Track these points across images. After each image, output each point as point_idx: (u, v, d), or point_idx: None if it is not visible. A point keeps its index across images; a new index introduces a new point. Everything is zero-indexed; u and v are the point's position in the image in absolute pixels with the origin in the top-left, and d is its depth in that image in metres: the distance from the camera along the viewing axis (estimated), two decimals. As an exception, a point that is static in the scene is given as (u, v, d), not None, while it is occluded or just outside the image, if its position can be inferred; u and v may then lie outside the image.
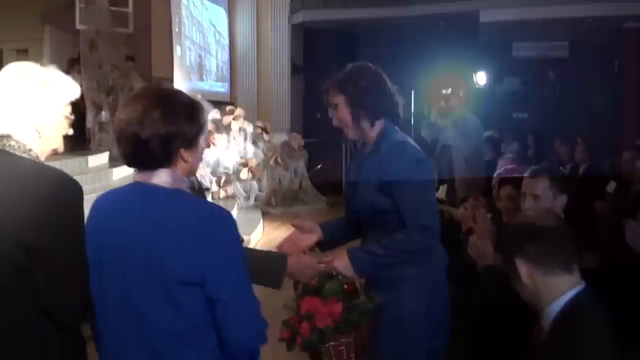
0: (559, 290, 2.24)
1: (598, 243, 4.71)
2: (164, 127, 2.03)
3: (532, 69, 16.11)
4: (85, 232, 2.15)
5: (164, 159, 2.08)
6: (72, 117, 2.41)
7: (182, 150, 2.09)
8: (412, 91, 18.18)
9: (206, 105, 2.79)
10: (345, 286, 2.71)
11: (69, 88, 2.37)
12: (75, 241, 2.13)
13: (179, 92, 2.20)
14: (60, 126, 2.36)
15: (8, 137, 2.22)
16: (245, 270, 2.10)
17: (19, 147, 2.23)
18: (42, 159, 2.33)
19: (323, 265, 2.81)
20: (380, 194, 2.90)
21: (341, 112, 2.99)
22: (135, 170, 2.14)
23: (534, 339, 2.39)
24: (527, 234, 2.30)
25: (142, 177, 2.10)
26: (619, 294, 4.06)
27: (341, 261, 2.84)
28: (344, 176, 3.30)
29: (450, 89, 15.24)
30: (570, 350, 2.11)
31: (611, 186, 6.72)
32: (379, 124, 3.00)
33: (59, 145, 2.40)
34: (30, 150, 2.25)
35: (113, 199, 2.18)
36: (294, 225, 3.18)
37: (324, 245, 3.15)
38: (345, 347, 2.63)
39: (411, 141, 3.04)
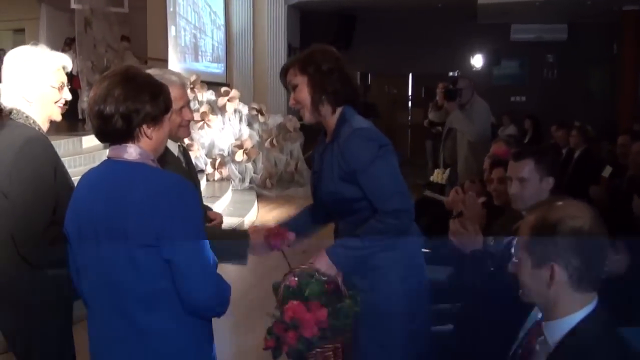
0: (576, 307, 1.98)
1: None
2: (123, 104, 2.20)
3: (530, 51, 16.04)
4: (51, 182, 2.70)
5: (127, 135, 2.25)
6: (63, 86, 2.90)
7: (144, 126, 2.26)
8: (410, 74, 18.17)
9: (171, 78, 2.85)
10: (326, 285, 2.65)
11: (50, 60, 2.86)
12: (36, 188, 2.66)
13: (146, 75, 2.37)
14: (47, 95, 2.86)
15: (16, 110, 2.82)
16: (201, 236, 2.24)
17: (19, 116, 2.81)
18: (45, 126, 2.89)
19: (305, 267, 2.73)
20: (345, 183, 2.81)
21: (301, 93, 2.88)
22: (108, 147, 2.34)
23: (531, 339, 2.19)
24: (577, 243, 1.94)
25: (113, 152, 2.30)
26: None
27: (323, 262, 2.75)
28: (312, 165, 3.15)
29: (457, 71, 15.26)
30: None
31: (607, 171, 6.68)
32: (337, 112, 2.89)
33: (52, 113, 2.91)
34: (27, 117, 2.82)
35: (89, 176, 2.37)
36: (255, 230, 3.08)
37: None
38: (333, 352, 2.59)
39: (371, 126, 2.90)
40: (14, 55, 2.85)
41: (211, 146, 11.81)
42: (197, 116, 11.02)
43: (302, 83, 2.87)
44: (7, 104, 2.83)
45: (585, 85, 15.84)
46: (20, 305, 2.78)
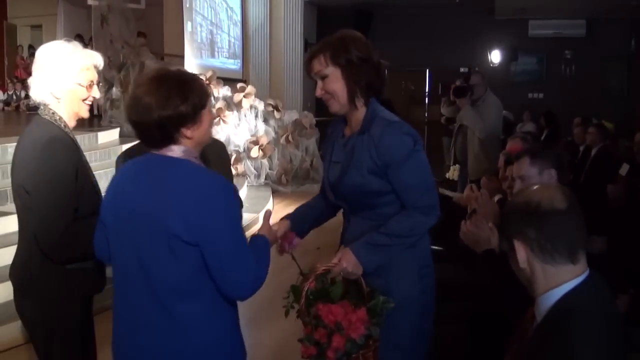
0: (557, 280, 1.99)
1: (609, 226, 4.64)
2: (156, 113, 2.22)
3: (548, 47, 15.93)
4: (72, 183, 2.69)
5: (167, 141, 2.29)
6: (92, 84, 2.87)
7: (182, 129, 2.29)
8: (427, 69, 18.10)
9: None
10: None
11: (81, 58, 2.84)
12: (56, 187, 2.66)
13: (175, 74, 2.33)
14: (75, 92, 2.83)
15: (44, 105, 2.82)
16: (241, 237, 2.29)
17: (46, 112, 2.81)
18: (71, 123, 2.89)
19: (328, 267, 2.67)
20: (374, 176, 2.72)
21: (333, 84, 2.73)
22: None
23: (524, 326, 2.22)
24: (529, 215, 2.00)
25: (157, 150, 2.33)
26: (629, 276, 4.01)
27: (351, 261, 2.67)
28: (324, 157, 3.06)
29: (468, 68, 15.17)
30: (556, 354, 1.88)
31: (624, 169, 6.61)
32: (369, 102, 2.78)
33: (79, 110, 2.89)
34: (53, 113, 2.81)
35: (130, 167, 2.42)
36: None
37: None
38: (373, 352, 2.57)
39: (402, 120, 2.82)
40: (45, 50, 2.83)
41: (227, 142, 11.81)
42: (212, 112, 11.03)
43: (333, 73, 2.73)
44: (36, 98, 2.83)
45: (603, 81, 15.71)
46: (43, 298, 2.82)
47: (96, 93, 2.92)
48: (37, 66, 2.82)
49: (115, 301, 2.42)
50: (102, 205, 2.45)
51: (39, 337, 2.91)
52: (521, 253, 2.02)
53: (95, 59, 2.89)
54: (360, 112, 2.79)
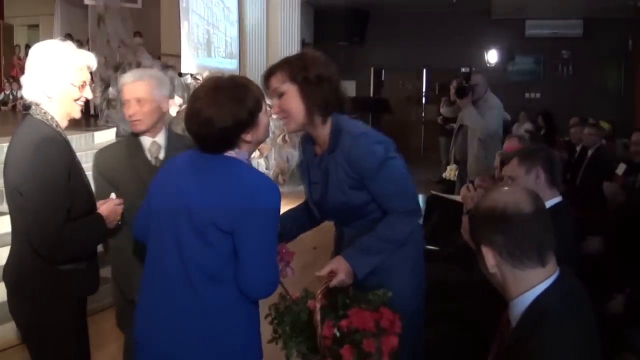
0: (528, 283, 1.98)
1: (606, 225, 4.64)
2: (215, 125, 2.31)
3: (545, 47, 15.95)
4: (64, 183, 2.69)
5: (229, 147, 2.39)
6: (84, 84, 2.85)
7: (242, 135, 2.38)
8: (424, 70, 18.11)
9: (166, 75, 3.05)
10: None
11: (74, 58, 2.82)
12: (48, 188, 2.65)
13: (228, 82, 2.42)
14: (67, 92, 2.81)
15: (36, 104, 2.81)
16: (273, 239, 2.39)
17: (37, 111, 2.80)
18: (63, 123, 2.86)
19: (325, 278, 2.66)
20: (355, 190, 2.74)
21: (288, 102, 2.70)
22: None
23: (501, 330, 2.22)
24: (495, 221, 1.98)
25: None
26: (626, 273, 4.02)
27: (346, 271, 2.67)
28: (303, 178, 3.05)
29: (469, 68, 15.18)
30: (534, 357, 1.86)
31: (621, 168, 6.60)
32: (329, 119, 2.75)
33: (72, 110, 2.87)
34: (45, 113, 2.80)
35: (180, 159, 2.53)
36: None
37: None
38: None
39: (370, 129, 2.84)
40: (39, 49, 2.82)
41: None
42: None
43: (290, 91, 2.69)
44: (28, 97, 2.83)
45: (601, 81, 15.73)
46: (36, 298, 2.82)
47: (88, 94, 2.90)
48: (30, 65, 2.81)
49: (146, 284, 2.51)
50: (151, 191, 2.56)
51: (33, 338, 2.91)
52: (490, 259, 2.00)
53: (88, 59, 2.88)
54: (324, 129, 2.78)
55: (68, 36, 13.34)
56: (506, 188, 2.14)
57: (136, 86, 3.33)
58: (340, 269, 2.67)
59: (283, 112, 2.73)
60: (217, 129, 2.31)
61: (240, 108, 2.33)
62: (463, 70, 15.40)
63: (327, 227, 3.14)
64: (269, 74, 2.75)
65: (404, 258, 2.83)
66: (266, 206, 2.32)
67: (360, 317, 2.48)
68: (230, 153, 2.39)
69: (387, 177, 2.70)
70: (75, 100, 2.86)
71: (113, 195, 3.04)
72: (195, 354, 2.36)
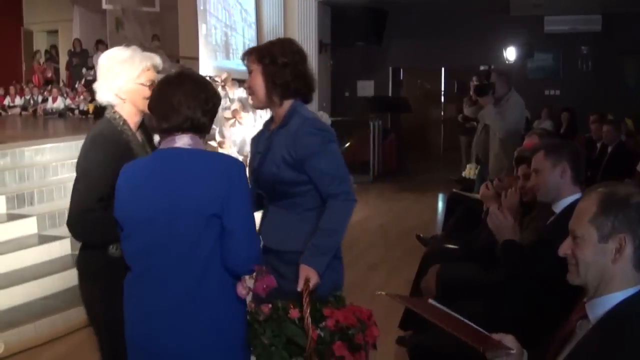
0: (625, 284, 2.01)
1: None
2: (182, 110, 2.58)
3: (564, 43, 15.82)
4: (102, 174, 2.92)
5: (190, 130, 2.62)
6: (152, 84, 3.09)
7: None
8: (443, 68, 18.05)
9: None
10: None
11: (141, 61, 3.15)
12: (86, 175, 2.99)
13: (192, 74, 2.80)
14: (139, 92, 3.13)
15: (110, 106, 3.17)
16: (251, 209, 2.66)
17: (109, 112, 3.16)
18: (135, 119, 3.19)
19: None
20: (287, 167, 3.01)
21: (254, 79, 3.09)
22: (159, 137, 2.73)
23: (569, 327, 2.21)
24: None
25: (165, 143, 2.64)
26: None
27: (313, 275, 2.89)
28: (250, 148, 3.41)
29: (488, 65, 15.09)
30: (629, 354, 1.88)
31: (641, 165, 6.56)
32: (287, 103, 3.09)
33: (145, 107, 2.99)
34: (114, 112, 3.15)
35: (139, 165, 2.70)
36: None
37: None
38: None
39: (319, 119, 3.18)
40: (108, 56, 3.18)
41: (243, 143, 11.80)
42: (228, 114, 11.04)
43: (256, 71, 3.07)
44: (102, 101, 3.17)
45: (621, 76, 15.58)
46: (100, 283, 3.04)
47: None
48: (101, 72, 3.16)
49: (136, 292, 2.65)
50: (117, 208, 2.67)
51: (98, 322, 3.12)
52: (625, 250, 2.02)
53: (154, 60, 3.23)
54: (283, 109, 3.11)
55: (77, 41, 13.48)
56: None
57: None
58: (310, 275, 2.88)
59: (249, 88, 3.13)
60: (183, 113, 2.58)
61: (204, 97, 2.64)
62: (482, 68, 15.34)
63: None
64: (248, 53, 3.14)
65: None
66: (243, 181, 2.60)
67: (343, 315, 2.68)
68: (186, 142, 2.61)
69: (328, 158, 3.00)
70: (145, 98, 3.04)
71: None
72: (186, 346, 2.54)
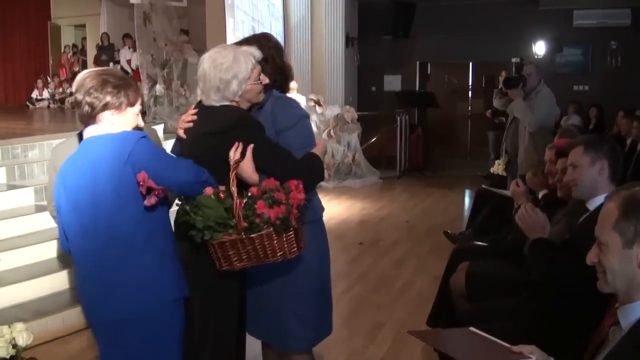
0: None
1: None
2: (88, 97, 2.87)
3: (593, 37, 15.62)
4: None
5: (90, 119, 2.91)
6: (259, 72, 3.16)
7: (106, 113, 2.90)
8: (470, 63, 17.91)
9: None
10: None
11: (249, 56, 3.14)
12: (278, 147, 3.11)
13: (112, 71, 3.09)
14: (252, 90, 3.15)
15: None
16: (167, 156, 3.00)
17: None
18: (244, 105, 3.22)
19: None
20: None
21: None
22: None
23: (604, 327, 2.17)
24: None
25: (87, 133, 2.93)
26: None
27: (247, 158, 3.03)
28: None
29: (520, 58, 14.96)
30: None
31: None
32: (271, 92, 3.29)
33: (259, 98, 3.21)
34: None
35: (71, 155, 2.94)
36: None
37: None
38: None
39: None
40: (211, 57, 3.18)
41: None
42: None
43: None
44: (215, 103, 3.19)
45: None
46: (206, 274, 3.11)
47: (264, 79, 3.24)
48: (204, 75, 3.18)
49: (80, 275, 2.95)
50: (54, 194, 2.96)
51: (208, 309, 3.21)
52: None
53: (252, 52, 3.22)
54: (263, 99, 3.27)
55: (105, 35, 13.57)
56: None
57: None
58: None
59: None
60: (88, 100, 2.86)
61: (116, 93, 2.89)
62: (514, 60, 15.21)
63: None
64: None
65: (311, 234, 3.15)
66: (147, 145, 2.83)
67: (267, 182, 2.85)
68: (98, 129, 2.89)
69: (300, 132, 3.19)
70: (260, 92, 3.22)
71: None
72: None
